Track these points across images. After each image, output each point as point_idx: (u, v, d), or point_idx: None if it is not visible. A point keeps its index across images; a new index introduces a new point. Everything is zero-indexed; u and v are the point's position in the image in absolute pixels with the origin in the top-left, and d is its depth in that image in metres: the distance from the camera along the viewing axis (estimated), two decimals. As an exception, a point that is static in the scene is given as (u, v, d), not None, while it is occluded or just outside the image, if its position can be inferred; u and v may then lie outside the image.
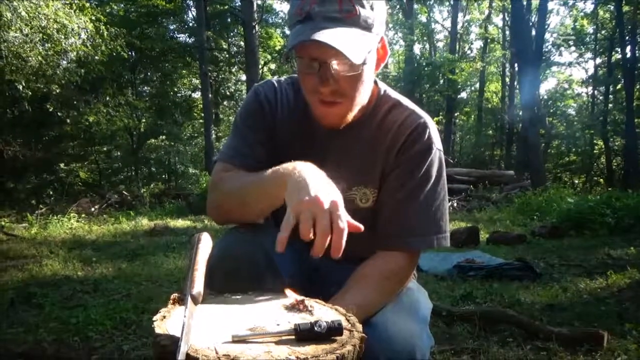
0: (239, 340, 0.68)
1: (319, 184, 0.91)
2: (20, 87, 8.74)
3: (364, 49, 1.03)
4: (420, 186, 1.14)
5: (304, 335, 0.70)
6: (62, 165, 14.09)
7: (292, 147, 1.21)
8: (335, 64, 1.03)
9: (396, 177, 1.16)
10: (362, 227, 0.89)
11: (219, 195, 1.17)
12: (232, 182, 1.14)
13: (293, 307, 0.83)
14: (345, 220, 0.86)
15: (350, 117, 1.14)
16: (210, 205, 1.20)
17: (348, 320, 0.80)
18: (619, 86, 20.45)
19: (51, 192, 12.28)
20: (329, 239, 0.84)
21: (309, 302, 0.84)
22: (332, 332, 0.72)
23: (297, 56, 1.06)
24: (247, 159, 1.19)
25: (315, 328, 0.71)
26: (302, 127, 1.22)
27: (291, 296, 0.86)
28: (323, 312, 0.83)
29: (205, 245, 0.89)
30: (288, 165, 1.01)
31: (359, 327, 0.78)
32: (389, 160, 1.17)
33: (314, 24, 1.00)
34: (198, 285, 0.80)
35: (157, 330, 0.70)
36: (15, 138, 11.38)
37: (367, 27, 1.04)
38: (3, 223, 7.67)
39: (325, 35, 0.97)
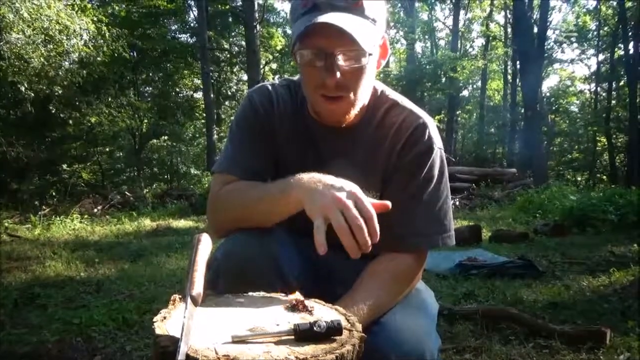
0: (238, 340, 0.69)
1: (330, 183, 0.95)
2: (23, 89, 8.77)
3: (371, 38, 1.04)
4: (423, 187, 1.14)
5: (304, 335, 0.71)
6: (64, 166, 14.11)
7: (290, 153, 1.21)
8: (340, 58, 1.02)
9: (399, 180, 1.16)
10: (389, 203, 0.94)
11: (222, 215, 1.15)
12: (235, 200, 1.12)
13: (293, 307, 0.83)
14: (369, 203, 0.90)
15: (353, 114, 1.12)
16: (214, 223, 1.19)
17: (348, 320, 0.80)
18: (621, 83, 20.38)
19: (54, 193, 12.29)
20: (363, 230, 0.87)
21: (309, 302, 0.85)
22: (331, 332, 0.72)
23: (301, 49, 1.05)
24: (246, 170, 1.17)
25: (315, 328, 0.71)
26: (300, 131, 1.21)
27: (291, 296, 0.86)
28: (323, 312, 0.83)
29: (205, 246, 0.89)
30: (293, 181, 1.01)
31: (359, 326, 0.78)
32: (390, 163, 1.17)
33: (322, 12, 1.00)
34: (198, 286, 0.80)
35: (157, 331, 0.70)
36: (18, 139, 11.38)
37: (372, 20, 1.05)
38: (6, 224, 7.68)
39: (337, 19, 0.98)
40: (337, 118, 1.12)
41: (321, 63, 1.03)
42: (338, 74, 1.03)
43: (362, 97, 1.11)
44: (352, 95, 1.07)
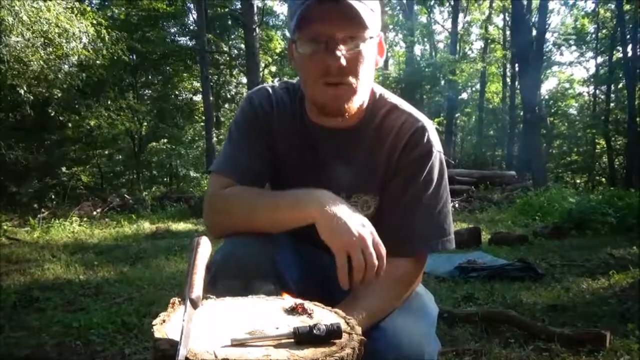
0: (238, 343, 0.68)
1: (354, 219, 0.98)
2: (22, 92, 8.76)
3: (370, 22, 1.03)
4: (423, 191, 1.14)
5: (303, 338, 0.70)
6: (64, 169, 14.09)
7: (289, 154, 1.21)
8: (341, 43, 1.02)
9: (398, 183, 1.15)
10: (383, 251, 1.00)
11: (222, 217, 1.14)
12: (239, 205, 1.11)
13: (292, 310, 0.83)
14: (382, 243, 0.99)
15: (356, 104, 1.11)
16: (211, 224, 1.18)
17: (347, 323, 0.80)
18: (620, 85, 20.43)
19: (53, 196, 12.28)
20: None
21: (309, 305, 0.84)
22: (331, 335, 0.72)
23: (300, 39, 1.05)
24: (245, 172, 1.16)
25: (314, 331, 0.71)
26: (299, 132, 1.20)
27: (290, 299, 0.86)
28: (323, 315, 0.83)
29: (205, 249, 0.89)
30: (309, 197, 1.02)
31: (358, 330, 0.78)
32: (390, 167, 1.16)
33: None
34: (197, 289, 0.80)
35: (157, 335, 0.70)
36: (17, 142, 11.39)
37: (371, 10, 1.05)
38: (5, 227, 7.67)
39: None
40: (341, 105, 1.09)
41: (322, 50, 1.03)
42: (342, 58, 1.02)
43: (364, 86, 1.10)
44: (354, 80, 1.06)
